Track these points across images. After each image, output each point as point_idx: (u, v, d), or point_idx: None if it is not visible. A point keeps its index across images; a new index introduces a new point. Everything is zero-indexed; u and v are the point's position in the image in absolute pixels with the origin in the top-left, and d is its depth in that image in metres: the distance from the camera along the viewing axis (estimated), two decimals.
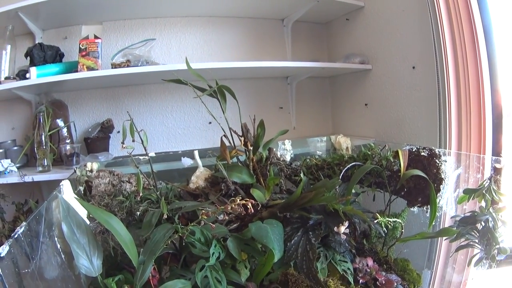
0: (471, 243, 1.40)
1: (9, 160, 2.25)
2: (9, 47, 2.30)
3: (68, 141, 2.50)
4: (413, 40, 2.39)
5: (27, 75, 2.20)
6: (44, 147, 2.22)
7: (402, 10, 2.45)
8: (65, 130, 2.50)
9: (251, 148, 1.48)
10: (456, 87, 2.11)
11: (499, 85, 2.01)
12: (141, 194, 1.31)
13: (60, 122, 2.46)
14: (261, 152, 1.53)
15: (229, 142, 1.50)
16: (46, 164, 2.22)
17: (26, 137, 2.48)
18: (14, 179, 2.12)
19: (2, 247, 0.79)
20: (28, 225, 0.97)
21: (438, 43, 2.15)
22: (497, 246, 1.32)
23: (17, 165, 2.29)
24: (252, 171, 1.48)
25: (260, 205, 1.28)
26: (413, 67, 2.39)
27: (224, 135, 1.48)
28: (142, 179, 1.32)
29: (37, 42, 2.42)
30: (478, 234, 1.39)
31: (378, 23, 2.68)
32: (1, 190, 1.97)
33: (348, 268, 1.35)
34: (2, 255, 0.78)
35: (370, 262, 1.41)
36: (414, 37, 2.37)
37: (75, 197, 1.26)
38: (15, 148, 2.41)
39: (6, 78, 2.23)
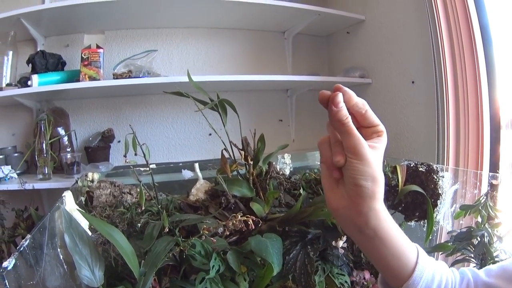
0: (466, 257, 1.42)
1: (9, 167, 2.26)
2: (11, 53, 2.32)
3: (68, 149, 2.51)
4: (413, 55, 2.41)
5: (29, 83, 2.21)
6: (45, 155, 2.23)
7: (402, 24, 2.47)
8: (66, 138, 2.52)
9: (251, 162, 1.48)
10: (455, 103, 2.13)
11: (498, 100, 2.03)
12: (143, 208, 1.32)
13: (61, 130, 2.48)
14: (261, 166, 1.54)
15: (229, 155, 1.50)
16: (46, 172, 2.23)
17: (26, 144, 2.49)
18: (14, 186, 2.13)
19: (8, 260, 0.80)
20: (32, 237, 0.98)
21: (438, 58, 2.18)
22: (492, 261, 1.34)
23: (18, 171, 2.30)
24: (252, 185, 1.49)
25: (260, 221, 1.29)
26: (413, 82, 2.42)
27: (225, 149, 1.48)
28: (143, 191, 1.33)
29: (39, 49, 2.44)
30: (473, 249, 1.41)
31: (379, 37, 2.71)
32: (1, 196, 1.98)
33: (346, 281, 1.36)
34: (8, 268, 0.79)
35: (367, 275, 1.43)
36: (414, 52, 2.40)
37: (77, 209, 1.27)
38: (16, 154, 2.42)
39: (7, 85, 2.25)
